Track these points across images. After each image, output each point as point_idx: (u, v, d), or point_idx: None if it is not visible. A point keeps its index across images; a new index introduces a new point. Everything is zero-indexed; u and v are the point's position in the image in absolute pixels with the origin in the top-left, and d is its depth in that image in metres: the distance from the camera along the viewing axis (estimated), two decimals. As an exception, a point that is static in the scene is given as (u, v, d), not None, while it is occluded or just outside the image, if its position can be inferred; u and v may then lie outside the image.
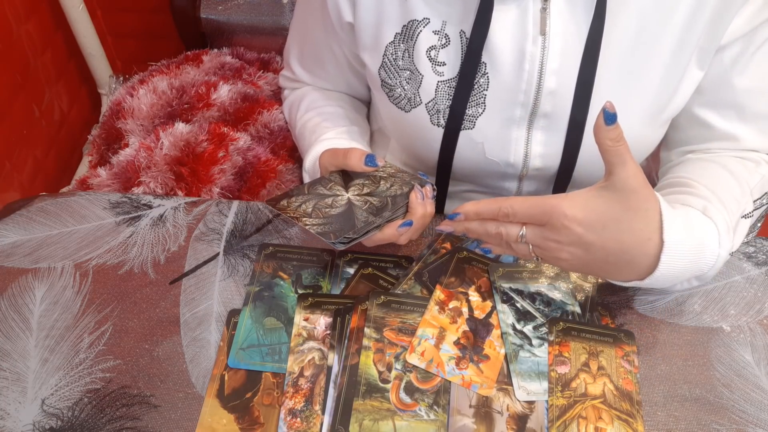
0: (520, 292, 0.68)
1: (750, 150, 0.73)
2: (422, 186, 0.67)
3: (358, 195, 0.67)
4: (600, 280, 0.70)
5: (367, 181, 0.69)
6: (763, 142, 0.72)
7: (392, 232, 0.65)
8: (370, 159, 0.68)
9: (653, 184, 0.83)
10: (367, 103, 0.95)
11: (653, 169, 0.97)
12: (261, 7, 1.29)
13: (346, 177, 0.70)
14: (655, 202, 0.58)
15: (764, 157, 0.73)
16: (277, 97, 1.10)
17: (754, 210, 0.68)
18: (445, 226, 0.65)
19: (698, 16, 0.65)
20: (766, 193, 0.70)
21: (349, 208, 0.66)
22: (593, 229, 0.57)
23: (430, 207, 0.67)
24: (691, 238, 0.59)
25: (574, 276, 0.70)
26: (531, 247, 0.60)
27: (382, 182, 0.69)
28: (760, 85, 0.69)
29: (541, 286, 0.69)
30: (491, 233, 0.61)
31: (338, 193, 0.68)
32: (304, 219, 0.64)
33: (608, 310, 0.67)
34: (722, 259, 0.61)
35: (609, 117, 0.55)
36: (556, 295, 0.68)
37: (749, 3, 0.65)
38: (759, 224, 0.72)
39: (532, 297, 0.68)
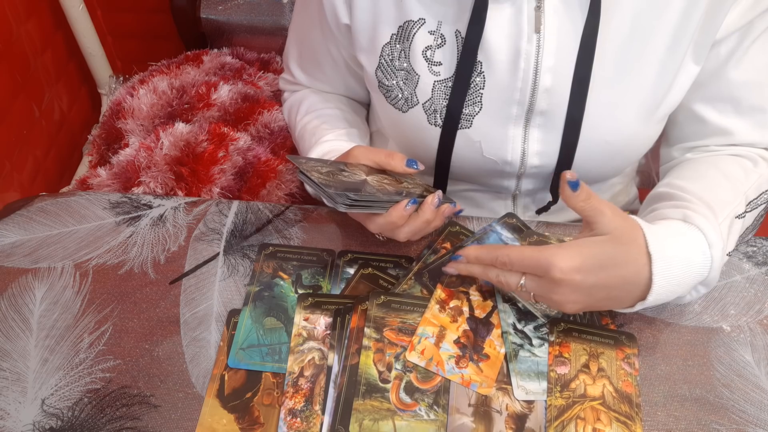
0: (520, 292, 0.68)
1: (747, 145, 0.73)
2: (445, 202, 0.67)
3: (376, 181, 0.66)
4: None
5: (390, 179, 0.68)
6: (759, 135, 0.72)
7: (399, 214, 0.64)
8: (411, 161, 0.68)
9: (652, 184, 0.83)
10: (367, 105, 0.95)
11: (653, 168, 0.97)
12: (261, 7, 1.29)
13: (371, 169, 0.69)
14: (638, 228, 0.60)
15: (761, 153, 0.73)
16: (277, 97, 1.11)
17: (748, 210, 0.67)
18: (450, 268, 0.66)
19: (692, 11, 0.65)
20: (765, 191, 0.69)
21: (361, 184, 0.65)
22: (592, 272, 0.58)
23: (438, 220, 0.67)
24: (677, 244, 0.60)
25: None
26: (533, 295, 0.61)
27: (405, 183, 0.68)
28: (756, 78, 0.70)
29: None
30: (492, 279, 0.63)
31: (357, 172, 0.67)
32: (314, 173, 0.63)
33: (608, 311, 0.67)
34: (719, 260, 0.61)
35: (573, 185, 0.58)
36: (556, 295, 0.68)
37: None
38: (759, 223, 0.72)
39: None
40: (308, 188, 0.83)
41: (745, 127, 0.72)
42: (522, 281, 0.60)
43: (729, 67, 0.69)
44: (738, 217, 0.66)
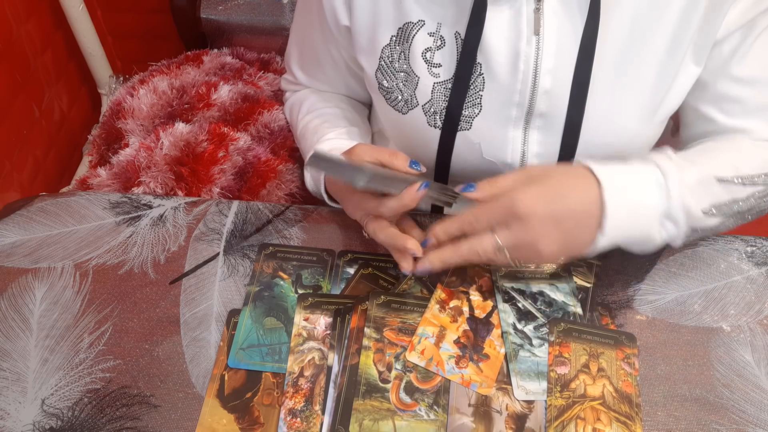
0: (521, 292, 0.68)
1: (764, 140, 0.72)
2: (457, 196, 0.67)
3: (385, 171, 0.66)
4: (599, 281, 0.70)
5: (396, 173, 0.68)
6: None
7: (411, 196, 0.63)
8: (414, 162, 0.67)
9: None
10: (369, 105, 0.95)
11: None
12: (261, 7, 1.29)
13: (376, 166, 0.68)
14: (579, 164, 0.63)
15: None
16: (277, 97, 1.11)
17: (737, 182, 0.66)
18: (422, 265, 0.63)
19: (691, 12, 0.65)
20: (762, 174, 0.67)
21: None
22: (552, 200, 0.60)
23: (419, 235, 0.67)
24: (627, 173, 0.62)
25: (575, 276, 0.70)
26: (509, 254, 0.61)
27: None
28: (761, 75, 0.69)
29: (543, 286, 0.69)
30: (466, 256, 0.61)
31: (364, 164, 0.66)
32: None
33: (608, 310, 0.67)
34: (678, 194, 0.62)
35: (468, 187, 0.62)
36: (558, 296, 0.68)
37: None
38: (758, 209, 0.70)
39: (534, 297, 0.68)
40: (308, 183, 0.82)
41: (759, 125, 0.72)
42: (497, 243, 0.60)
43: (732, 64, 0.69)
44: (720, 180, 0.65)
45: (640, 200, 0.62)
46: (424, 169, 0.68)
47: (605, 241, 0.61)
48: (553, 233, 0.60)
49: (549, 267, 0.70)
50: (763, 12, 0.65)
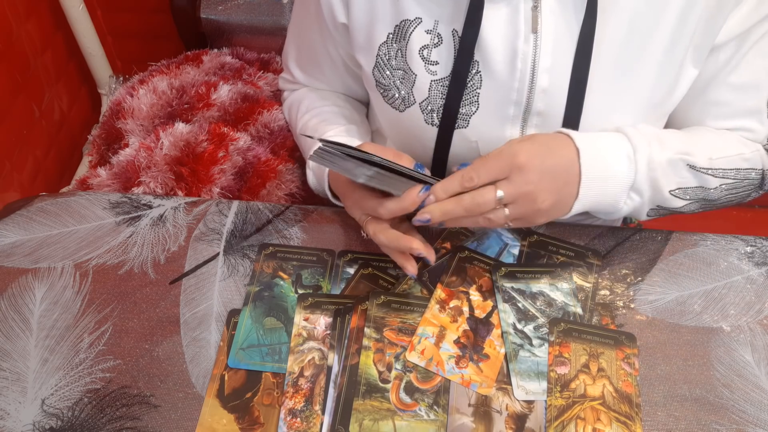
0: (521, 292, 0.68)
1: (750, 139, 0.73)
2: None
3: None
4: (599, 281, 0.70)
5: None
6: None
7: (411, 200, 0.62)
8: (419, 165, 0.67)
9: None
10: (367, 104, 0.95)
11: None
12: (261, 7, 1.29)
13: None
14: (559, 131, 0.67)
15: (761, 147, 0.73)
16: (277, 97, 1.11)
17: (710, 172, 0.69)
18: (423, 215, 0.62)
19: (690, 13, 0.65)
20: (734, 169, 0.70)
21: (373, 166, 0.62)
22: (545, 154, 0.63)
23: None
24: (601, 142, 0.66)
25: (575, 276, 0.70)
26: (507, 212, 0.62)
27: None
28: (752, 81, 0.70)
29: (543, 286, 0.69)
30: (468, 207, 0.61)
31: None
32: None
33: (608, 311, 0.67)
34: (645, 170, 0.65)
35: (463, 165, 0.63)
36: (558, 296, 0.68)
37: (743, 3, 0.65)
38: (727, 200, 0.72)
39: (534, 297, 0.68)
40: (311, 181, 0.82)
41: (747, 125, 0.73)
42: (500, 193, 0.61)
43: (726, 72, 0.70)
44: (691, 167, 0.68)
45: (610, 172, 0.65)
46: (427, 172, 0.68)
47: (579, 205, 0.65)
48: (550, 186, 0.62)
49: (552, 269, 0.70)
50: (759, 22, 0.66)
